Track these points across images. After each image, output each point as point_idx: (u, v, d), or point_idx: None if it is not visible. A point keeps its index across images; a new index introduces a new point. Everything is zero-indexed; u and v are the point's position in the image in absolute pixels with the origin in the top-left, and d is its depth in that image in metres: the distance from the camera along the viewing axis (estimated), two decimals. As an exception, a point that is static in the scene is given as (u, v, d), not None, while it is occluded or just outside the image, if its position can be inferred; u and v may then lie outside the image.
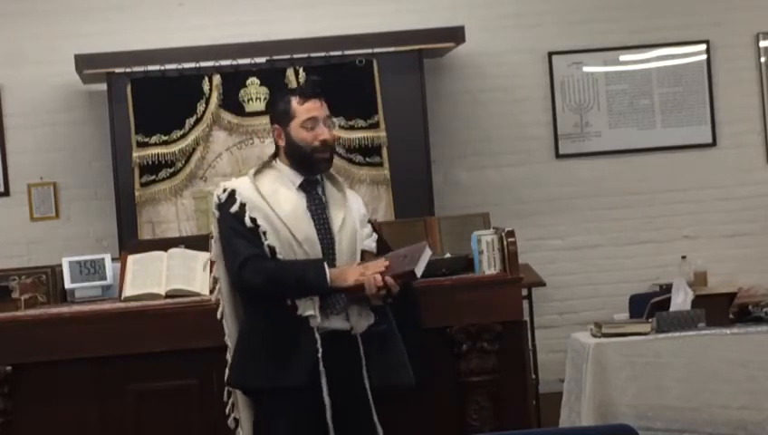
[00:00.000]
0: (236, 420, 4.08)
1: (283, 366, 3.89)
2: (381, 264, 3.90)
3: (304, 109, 4.01)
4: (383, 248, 4.15)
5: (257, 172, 4.05)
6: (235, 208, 3.95)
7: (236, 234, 3.95)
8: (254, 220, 3.93)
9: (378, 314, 4.00)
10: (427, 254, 3.94)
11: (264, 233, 3.92)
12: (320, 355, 3.86)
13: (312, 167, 4.02)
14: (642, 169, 7.44)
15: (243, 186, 4.00)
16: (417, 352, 4.06)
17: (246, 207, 3.94)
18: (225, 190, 4.01)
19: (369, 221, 4.21)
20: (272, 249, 3.92)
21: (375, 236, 4.14)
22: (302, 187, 4.02)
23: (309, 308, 3.88)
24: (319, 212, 4.00)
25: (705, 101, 7.47)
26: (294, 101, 4.03)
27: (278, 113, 4.08)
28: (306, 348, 3.87)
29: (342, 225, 4.00)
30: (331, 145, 4.04)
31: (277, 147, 4.08)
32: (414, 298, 4.16)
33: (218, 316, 4.07)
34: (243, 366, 3.98)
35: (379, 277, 3.84)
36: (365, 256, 4.04)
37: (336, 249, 3.96)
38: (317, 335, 3.87)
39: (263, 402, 3.98)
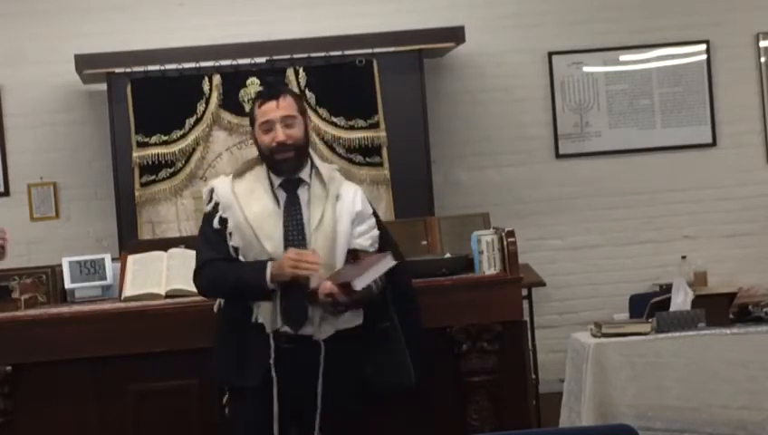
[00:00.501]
0: None
1: (241, 367, 3.95)
2: (316, 257, 3.88)
3: (261, 112, 4.06)
4: (386, 245, 4.13)
5: (245, 170, 4.11)
6: (208, 208, 4.06)
7: (204, 238, 4.07)
8: (224, 221, 4.00)
9: (379, 312, 4.00)
10: (384, 266, 3.90)
11: (230, 234, 3.99)
12: (272, 361, 3.90)
13: (274, 168, 4.05)
14: (642, 169, 7.44)
15: (221, 185, 4.08)
16: (417, 351, 4.06)
17: (219, 207, 4.02)
18: (207, 189, 4.11)
19: (376, 215, 4.17)
20: (236, 250, 3.98)
21: (374, 233, 4.10)
22: (282, 186, 4.05)
23: (260, 315, 3.93)
24: (294, 212, 4.00)
25: (705, 101, 7.46)
26: (256, 105, 4.10)
27: (249, 118, 4.18)
28: (261, 352, 3.92)
29: (319, 224, 3.99)
30: (290, 145, 4.02)
31: None
32: (411, 298, 4.15)
33: (215, 309, 4.12)
34: (214, 362, 4.07)
35: (328, 284, 3.85)
36: (359, 255, 4.03)
37: (309, 249, 3.95)
38: (271, 341, 3.91)
39: (236, 398, 4.05)
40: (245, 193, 4.02)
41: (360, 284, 3.83)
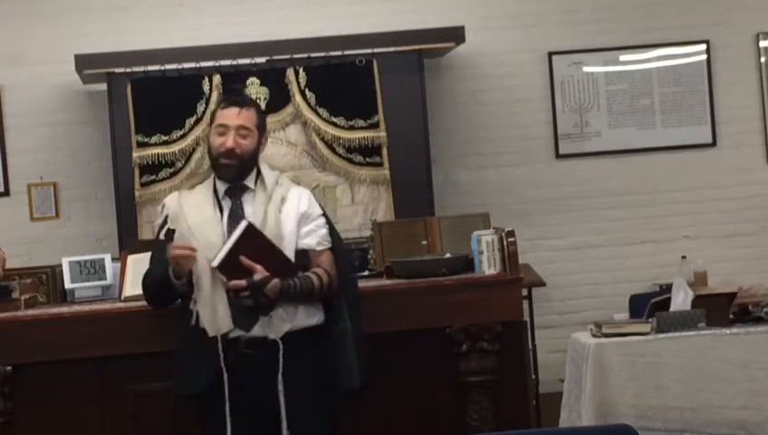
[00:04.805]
0: None
1: (188, 373, 4.01)
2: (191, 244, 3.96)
3: (221, 115, 4.14)
4: (336, 247, 4.17)
5: (196, 183, 4.23)
6: (159, 221, 4.23)
7: (152, 252, 4.21)
8: (171, 232, 4.11)
9: (337, 313, 4.04)
10: (235, 234, 3.92)
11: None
12: (222, 365, 3.92)
13: (217, 171, 4.13)
14: (642, 169, 7.44)
15: (170, 199, 4.23)
16: (363, 356, 4.06)
17: (168, 219, 4.15)
18: (161, 204, 4.27)
19: (325, 216, 4.18)
20: None
21: (322, 231, 4.10)
22: (228, 193, 4.12)
23: (203, 320, 3.97)
24: (237, 218, 4.05)
25: (705, 101, 7.46)
26: (219, 107, 4.19)
27: (210, 118, 4.30)
28: (209, 357, 3.94)
29: (262, 228, 4.00)
30: (237, 155, 4.08)
31: None
32: (357, 304, 4.17)
33: None
34: (170, 372, 4.13)
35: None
36: (309, 254, 4.06)
37: None
38: (219, 344, 3.93)
39: (203, 406, 4.08)
40: (191, 204, 4.12)
41: (215, 260, 3.89)
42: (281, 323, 3.96)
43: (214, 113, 4.20)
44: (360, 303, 4.20)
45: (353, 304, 4.14)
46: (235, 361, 3.93)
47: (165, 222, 4.14)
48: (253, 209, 4.07)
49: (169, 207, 4.15)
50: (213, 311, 3.95)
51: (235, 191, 4.11)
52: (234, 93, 4.31)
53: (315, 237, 4.09)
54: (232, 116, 4.10)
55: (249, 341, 3.96)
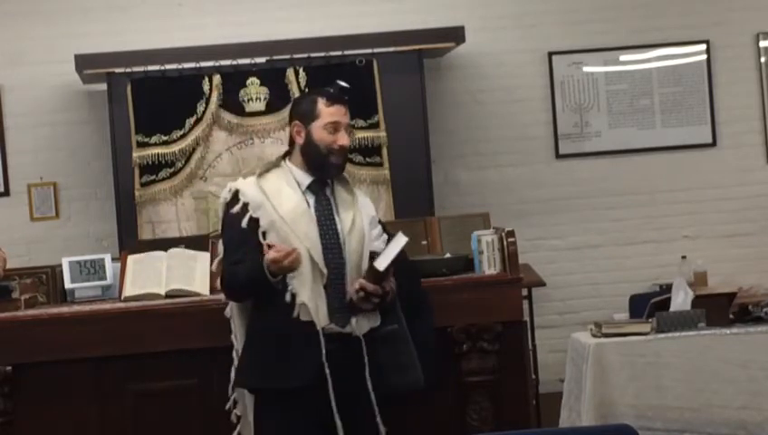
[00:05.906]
0: (238, 417, 4.13)
1: (286, 368, 3.91)
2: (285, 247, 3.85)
3: (329, 112, 4.05)
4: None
5: (264, 172, 4.08)
6: (236, 209, 4.00)
7: (230, 240, 4.03)
8: (255, 220, 3.95)
9: (386, 314, 4.02)
10: (398, 243, 3.92)
11: (264, 233, 3.95)
12: (324, 358, 3.88)
13: (323, 169, 4.05)
14: (642, 169, 7.44)
15: (247, 186, 4.03)
16: (429, 354, 4.08)
17: (249, 207, 3.97)
18: (230, 190, 4.06)
19: (380, 222, 4.22)
20: (270, 247, 3.93)
21: (385, 237, 4.14)
22: (310, 188, 4.05)
23: (305, 313, 3.90)
24: (326, 213, 4.02)
25: (705, 101, 7.46)
26: (321, 103, 4.07)
27: (301, 111, 4.12)
28: (309, 350, 3.89)
29: (351, 227, 4.01)
30: (346, 153, 4.09)
31: (291, 146, 4.12)
32: (422, 301, 4.21)
33: (226, 314, 4.10)
34: (249, 367, 4.01)
35: (356, 284, 3.90)
36: (373, 256, 4.04)
37: (345, 250, 3.98)
38: (321, 338, 3.89)
39: (268, 402, 3.99)
40: (274, 192, 4.00)
41: (381, 264, 3.86)
42: (364, 323, 3.97)
43: (314, 108, 4.04)
44: (428, 307, 4.20)
45: (420, 306, 4.15)
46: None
47: (244, 209, 3.98)
48: (335, 206, 4.04)
49: (248, 194, 4.00)
50: (315, 305, 3.91)
51: (320, 185, 4.06)
52: (339, 89, 4.15)
53: (382, 242, 4.10)
54: (342, 114, 4.06)
55: (329, 337, 3.92)
